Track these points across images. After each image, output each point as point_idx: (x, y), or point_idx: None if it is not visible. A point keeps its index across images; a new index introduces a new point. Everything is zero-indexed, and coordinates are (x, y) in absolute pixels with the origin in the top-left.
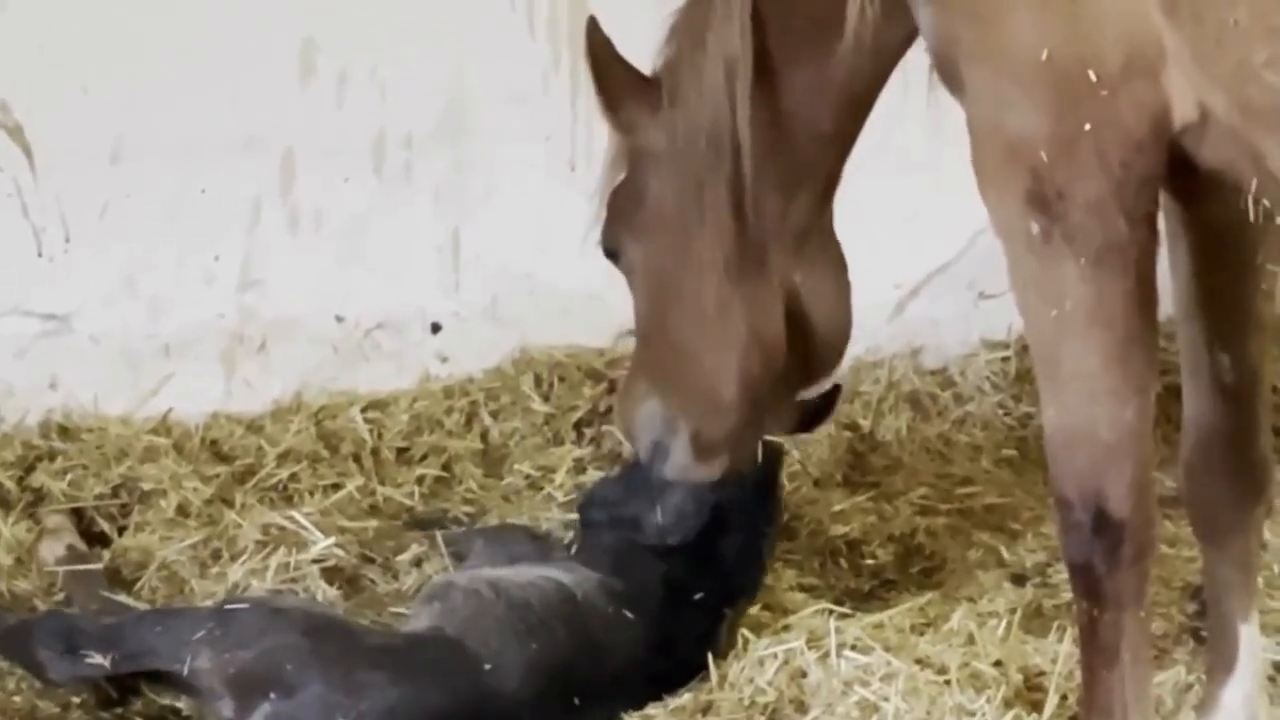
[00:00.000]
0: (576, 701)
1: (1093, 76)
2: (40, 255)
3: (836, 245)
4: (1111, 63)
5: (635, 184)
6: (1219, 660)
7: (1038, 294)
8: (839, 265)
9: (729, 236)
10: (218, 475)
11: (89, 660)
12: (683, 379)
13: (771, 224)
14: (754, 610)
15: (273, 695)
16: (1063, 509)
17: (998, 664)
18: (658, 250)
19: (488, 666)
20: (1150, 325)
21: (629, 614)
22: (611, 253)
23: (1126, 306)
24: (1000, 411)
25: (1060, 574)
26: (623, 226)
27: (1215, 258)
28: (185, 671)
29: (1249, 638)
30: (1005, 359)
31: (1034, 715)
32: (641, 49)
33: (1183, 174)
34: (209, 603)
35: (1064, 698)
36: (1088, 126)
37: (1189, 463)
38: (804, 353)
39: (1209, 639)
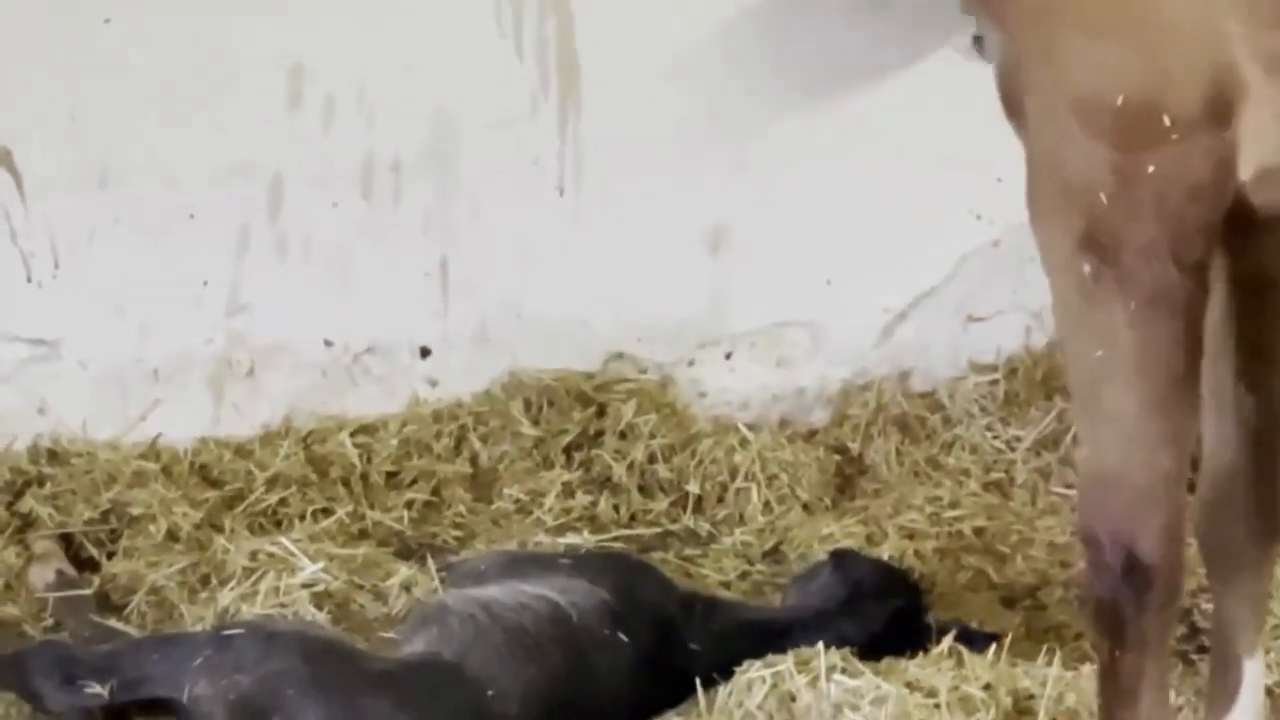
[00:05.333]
0: None
1: (1166, 120)
2: (29, 280)
3: None
4: (1189, 107)
5: None
6: (1221, 693)
7: (1083, 334)
8: None
9: None
10: (207, 500)
11: (87, 690)
12: None
13: None
14: None
15: None
16: (1091, 548)
17: (987, 687)
18: None
19: (490, 693)
20: (1193, 373)
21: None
22: None
23: (1171, 353)
24: (989, 435)
25: (1050, 596)
26: None
27: (1252, 304)
28: (185, 699)
29: (1252, 672)
30: (994, 382)
31: None
32: (630, 73)
33: (1236, 223)
34: (202, 627)
35: None
36: (1151, 170)
37: (1206, 500)
38: None
39: (1211, 671)
